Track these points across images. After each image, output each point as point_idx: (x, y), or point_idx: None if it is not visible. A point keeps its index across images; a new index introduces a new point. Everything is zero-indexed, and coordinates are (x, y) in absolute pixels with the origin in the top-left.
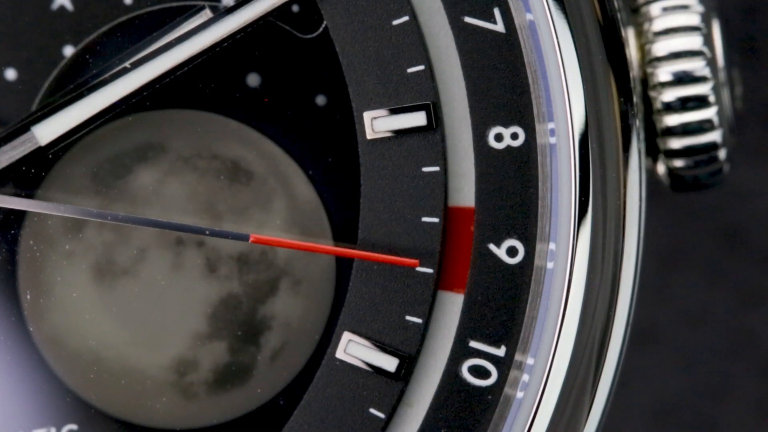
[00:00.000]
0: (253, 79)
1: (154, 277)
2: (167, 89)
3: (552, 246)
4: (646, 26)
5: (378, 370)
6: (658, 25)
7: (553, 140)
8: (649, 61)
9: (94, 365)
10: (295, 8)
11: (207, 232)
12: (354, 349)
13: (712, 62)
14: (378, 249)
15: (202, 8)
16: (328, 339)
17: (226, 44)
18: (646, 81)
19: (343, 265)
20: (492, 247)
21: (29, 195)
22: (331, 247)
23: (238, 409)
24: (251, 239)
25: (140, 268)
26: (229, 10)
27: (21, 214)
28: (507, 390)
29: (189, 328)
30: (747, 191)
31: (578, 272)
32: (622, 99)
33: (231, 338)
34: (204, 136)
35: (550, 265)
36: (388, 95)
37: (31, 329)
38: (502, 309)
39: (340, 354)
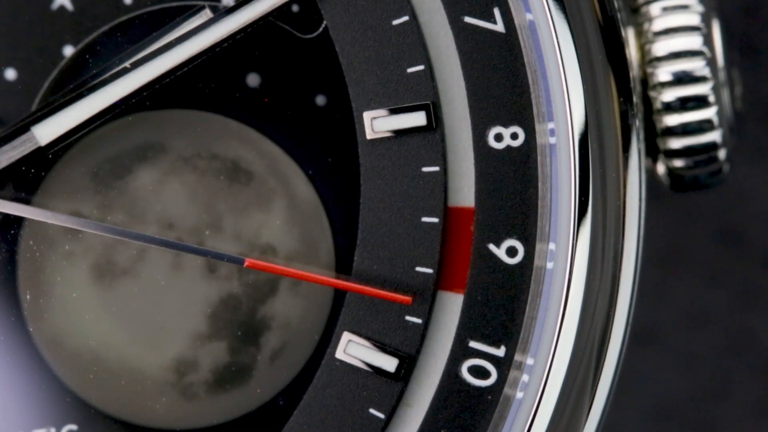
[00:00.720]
0: (253, 79)
1: (154, 278)
2: (167, 89)
3: (552, 246)
4: (646, 26)
5: (378, 371)
6: (658, 25)
7: (553, 140)
8: (649, 61)
9: (94, 365)
10: (295, 8)
11: (203, 254)
12: (354, 349)
13: (712, 62)
14: (378, 250)
15: (202, 8)
16: (328, 339)
17: (226, 44)
18: (646, 81)
19: (343, 266)
20: (492, 247)
21: (29, 197)
22: (326, 278)
23: (238, 409)
24: (246, 263)
25: (140, 269)
26: (229, 10)
27: None
28: (507, 390)
29: (189, 328)
30: (747, 191)
31: (578, 272)
32: (622, 99)
33: (231, 338)
34: (204, 136)
35: (549, 265)
36: (388, 95)
37: (31, 329)
38: (502, 309)
39: (340, 354)
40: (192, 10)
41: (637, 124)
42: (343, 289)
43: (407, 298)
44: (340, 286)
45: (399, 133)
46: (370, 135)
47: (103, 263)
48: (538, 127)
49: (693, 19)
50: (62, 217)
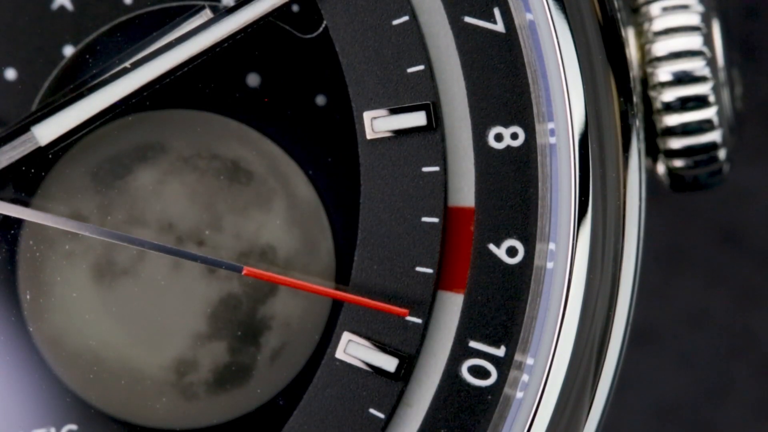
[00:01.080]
0: (253, 79)
1: (154, 277)
2: (167, 89)
3: (552, 246)
4: (646, 26)
5: (378, 370)
6: (658, 25)
7: (553, 140)
8: (649, 61)
9: (94, 365)
10: (295, 8)
11: (201, 260)
12: (354, 349)
13: (712, 62)
14: (378, 250)
15: (202, 8)
16: (328, 339)
17: (226, 44)
18: (646, 81)
19: (343, 266)
20: (492, 247)
21: (29, 197)
22: (323, 288)
23: (238, 409)
24: (244, 271)
25: (140, 268)
26: (229, 10)
27: None
28: (507, 390)
29: (189, 328)
30: (747, 191)
31: (578, 272)
32: (622, 99)
33: (231, 338)
34: (204, 136)
35: (550, 265)
36: (388, 95)
37: (31, 329)
38: (502, 309)
39: (339, 354)
40: (192, 10)
41: (637, 124)
42: (341, 300)
43: (404, 311)
44: (337, 296)
45: (399, 133)
46: (370, 135)
47: (103, 263)
48: (538, 127)
49: (693, 19)
50: (62, 220)
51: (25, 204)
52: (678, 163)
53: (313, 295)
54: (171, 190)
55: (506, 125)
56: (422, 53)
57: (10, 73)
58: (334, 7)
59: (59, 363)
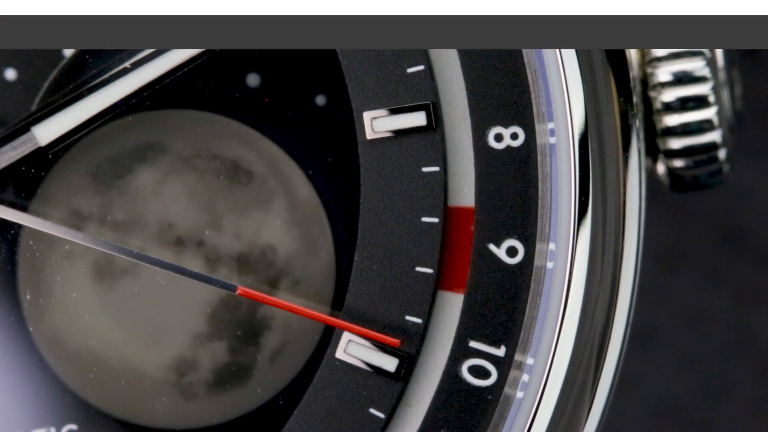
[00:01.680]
0: (253, 79)
1: (153, 277)
2: (167, 89)
3: (552, 246)
4: None
5: (378, 370)
6: None
7: (553, 140)
8: (649, 61)
9: (94, 365)
10: None
11: (196, 278)
12: (354, 349)
13: (712, 62)
14: (378, 250)
15: None
16: (328, 339)
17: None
18: (646, 81)
19: (343, 265)
20: (492, 247)
21: (29, 198)
22: (317, 313)
23: (238, 409)
24: (238, 291)
25: (140, 268)
26: None
27: None
28: (507, 390)
29: (189, 328)
30: (747, 191)
31: (578, 272)
32: (622, 99)
33: (231, 338)
34: (204, 136)
35: (549, 265)
36: (388, 95)
37: (31, 329)
38: (502, 309)
39: (340, 354)
40: None
41: (637, 124)
42: (333, 326)
43: (395, 341)
44: (330, 322)
45: (399, 133)
46: (370, 135)
47: (103, 263)
48: (538, 127)
49: None
50: (61, 228)
51: (25, 205)
52: (678, 163)
53: (313, 294)
54: (171, 190)
55: (506, 125)
56: (422, 53)
57: (10, 73)
58: None
59: (59, 363)
